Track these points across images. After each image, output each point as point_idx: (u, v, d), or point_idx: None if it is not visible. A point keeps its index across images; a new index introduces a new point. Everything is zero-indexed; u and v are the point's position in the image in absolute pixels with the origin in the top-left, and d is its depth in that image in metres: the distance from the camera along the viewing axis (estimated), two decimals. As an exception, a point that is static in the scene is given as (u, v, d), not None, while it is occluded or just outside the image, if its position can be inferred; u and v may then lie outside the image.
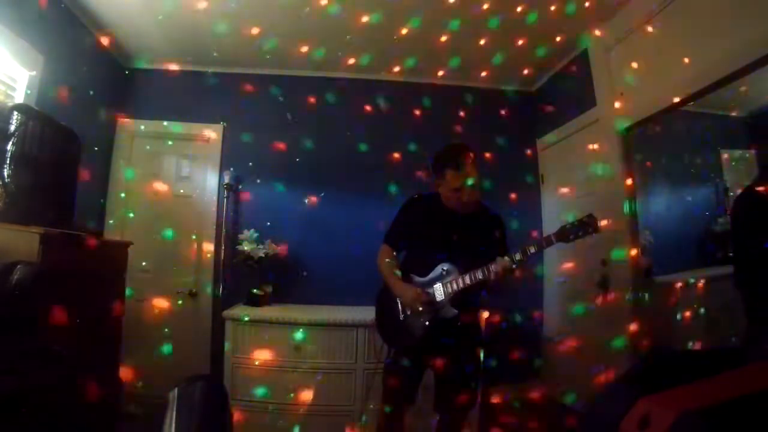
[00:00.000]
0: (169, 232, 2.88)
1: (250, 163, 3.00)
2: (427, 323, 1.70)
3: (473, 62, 2.89)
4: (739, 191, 2.40)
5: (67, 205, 1.74)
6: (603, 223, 1.64)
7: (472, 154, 1.72)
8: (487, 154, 3.04)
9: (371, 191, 2.98)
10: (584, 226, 1.54)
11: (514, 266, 1.56)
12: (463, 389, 1.74)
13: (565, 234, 1.55)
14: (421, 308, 1.69)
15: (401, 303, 1.77)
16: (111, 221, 2.85)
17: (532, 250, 1.56)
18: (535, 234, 2.93)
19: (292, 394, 2.32)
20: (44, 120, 1.61)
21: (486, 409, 2.57)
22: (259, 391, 2.33)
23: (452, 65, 2.94)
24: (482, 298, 1.90)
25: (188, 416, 1.00)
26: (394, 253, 1.87)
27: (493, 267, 1.57)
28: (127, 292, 2.09)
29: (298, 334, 2.37)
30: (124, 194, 2.93)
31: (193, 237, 2.94)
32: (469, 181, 1.67)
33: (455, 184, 1.67)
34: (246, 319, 2.41)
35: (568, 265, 2.86)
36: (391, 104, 3.10)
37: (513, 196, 3.04)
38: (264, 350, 2.37)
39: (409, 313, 1.75)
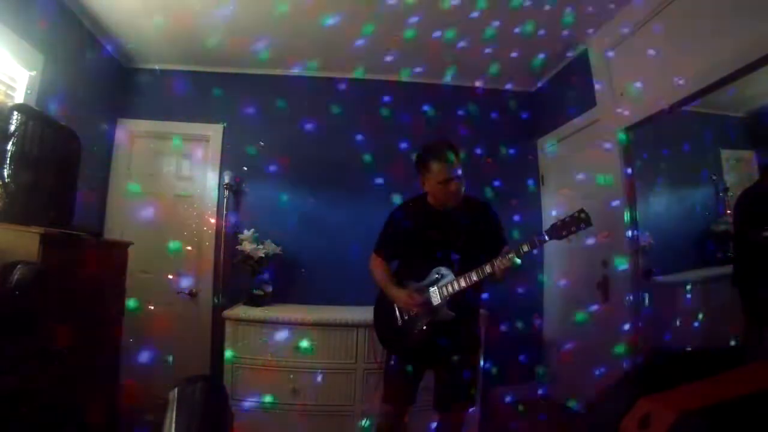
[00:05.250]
0: (169, 233, 2.88)
1: (250, 163, 3.00)
2: (424, 327, 1.69)
3: (473, 63, 2.89)
4: (739, 191, 2.41)
5: (67, 205, 1.73)
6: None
7: (456, 148, 1.71)
8: (487, 155, 3.05)
9: (371, 191, 2.98)
10: (576, 221, 1.50)
11: (516, 263, 1.53)
12: (462, 390, 1.73)
13: (558, 231, 1.52)
14: (416, 309, 1.67)
15: (398, 306, 1.77)
16: (111, 221, 2.85)
17: (525, 248, 1.54)
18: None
19: (291, 394, 2.32)
20: (44, 120, 1.60)
21: (486, 411, 2.57)
22: (259, 391, 2.33)
23: (452, 66, 2.94)
24: (481, 301, 1.89)
25: (188, 416, 1.00)
26: (385, 262, 1.86)
27: (497, 263, 1.54)
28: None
29: (298, 335, 2.37)
30: (124, 194, 2.93)
31: (194, 237, 2.94)
32: (456, 171, 1.65)
33: (441, 176, 1.65)
34: (246, 319, 2.40)
35: (569, 266, 2.87)
36: (390, 105, 3.10)
37: (513, 197, 3.04)
38: (264, 350, 2.36)
39: (406, 317, 1.74)
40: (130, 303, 2.08)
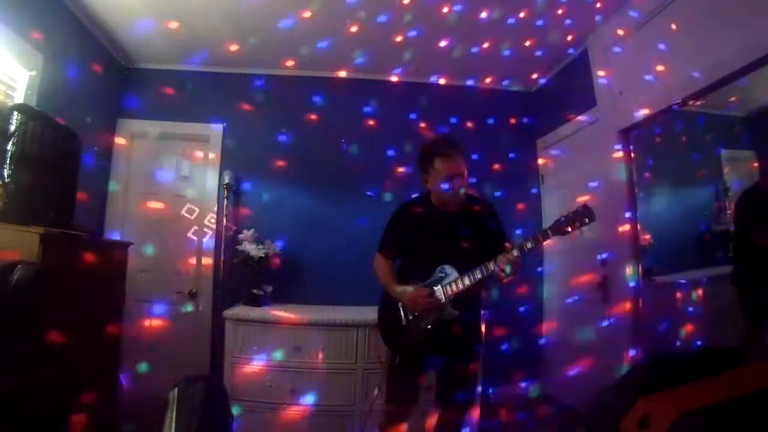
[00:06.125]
0: (169, 233, 2.88)
1: (250, 163, 3.00)
2: (429, 326, 1.69)
3: (473, 62, 2.89)
4: (739, 191, 2.41)
5: (67, 205, 1.73)
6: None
7: (459, 146, 1.71)
8: (487, 155, 3.05)
9: (371, 191, 2.98)
10: (579, 217, 1.50)
11: (518, 258, 1.54)
12: (463, 389, 1.73)
13: (561, 226, 1.52)
14: (422, 306, 1.67)
15: (402, 306, 1.77)
16: (111, 221, 2.85)
17: (529, 245, 1.54)
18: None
19: (292, 394, 2.32)
20: (44, 120, 1.60)
21: (486, 408, 2.57)
22: (260, 391, 2.33)
23: (451, 66, 2.94)
24: (483, 299, 1.89)
25: (188, 416, 1.00)
26: (390, 262, 1.86)
27: (500, 260, 1.54)
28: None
29: (298, 334, 2.37)
30: (124, 194, 2.93)
31: (193, 237, 2.95)
32: (460, 169, 1.65)
33: (446, 172, 1.64)
34: (246, 319, 2.40)
35: (569, 265, 2.86)
36: (389, 104, 3.10)
37: (513, 196, 3.04)
38: (264, 350, 2.37)
39: (411, 317, 1.74)
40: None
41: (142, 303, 2.75)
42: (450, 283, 1.67)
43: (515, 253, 1.53)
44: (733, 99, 2.73)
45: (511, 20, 2.39)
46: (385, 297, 1.86)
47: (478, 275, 1.60)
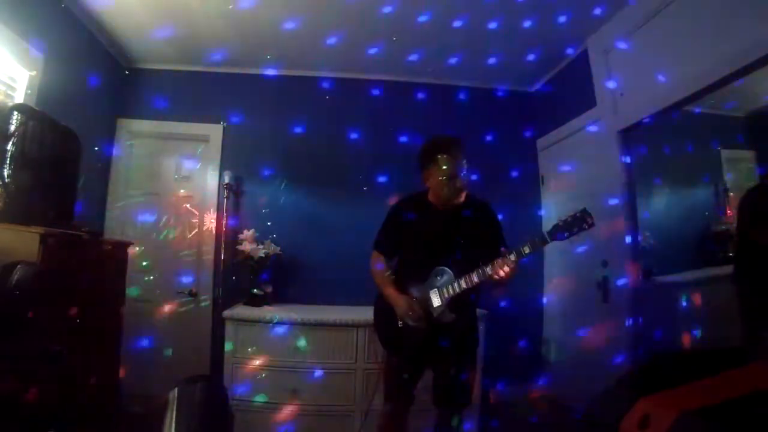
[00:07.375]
0: (169, 232, 2.88)
1: (250, 163, 3.00)
2: (425, 328, 1.68)
3: (473, 62, 2.89)
4: (739, 191, 2.41)
5: (67, 205, 1.73)
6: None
7: (462, 145, 1.70)
8: (487, 155, 3.04)
9: (371, 191, 2.97)
10: (578, 222, 1.49)
11: (515, 263, 1.53)
12: (461, 388, 1.73)
13: (560, 231, 1.51)
14: (413, 321, 1.67)
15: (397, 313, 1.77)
16: (111, 221, 2.85)
17: (527, 250, 1.53)
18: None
19: (291, 394, 2.32)
20: (44, 120, 1.60)
21: (486, 409, 2.57)
22: (259, 392, 2.33)
23: (451, 65, 2.93)
24: (479, 301, 1.88)
25: (188, 416, 1.00)
26: (386, 260, 1.85)
27: (498, 263, 1.53)
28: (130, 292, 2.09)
29: (298, 335, 2.37)
30: (125, 194, 2.93)
31: (194, 237, 2.94)
32: (462, 168, 1.64)
33: (448, 172, 1.63)
34: (246, 319, 2.40)
35: (569, 265, 2.86)
36: (390, 104, 3.10)
37: (513, 197, 3.03)
38: (264, 350, 2.37)
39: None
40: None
41: (142, 303, 2.75)
42: (446, 286, 1.66)
43: (512, 257, 1.52)
44: (733, 99, 2.73)
45: (511, 19, 2.39)
46: (381, 297, 1.86)
47: (475, 279, 1.60)
